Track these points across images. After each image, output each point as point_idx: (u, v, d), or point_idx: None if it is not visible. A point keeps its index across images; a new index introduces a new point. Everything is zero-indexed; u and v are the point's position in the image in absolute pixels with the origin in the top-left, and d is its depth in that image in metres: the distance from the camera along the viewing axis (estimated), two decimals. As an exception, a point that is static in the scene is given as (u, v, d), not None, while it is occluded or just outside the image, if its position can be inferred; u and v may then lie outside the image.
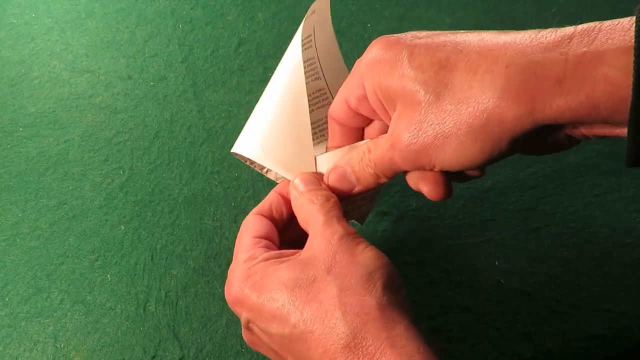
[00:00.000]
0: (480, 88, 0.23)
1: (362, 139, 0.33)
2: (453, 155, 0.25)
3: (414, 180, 0.30)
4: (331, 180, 0.32)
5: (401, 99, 0.26)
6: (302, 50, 0.32)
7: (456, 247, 0.44)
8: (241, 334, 0.40)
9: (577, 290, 0.42)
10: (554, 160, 0.47)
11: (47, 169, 0.47)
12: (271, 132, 0.33)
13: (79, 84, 0.51)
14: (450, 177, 0.30)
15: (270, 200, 0.34)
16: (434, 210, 0.45)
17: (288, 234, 0.35)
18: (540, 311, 0.41)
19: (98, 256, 0.44)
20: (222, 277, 0.43)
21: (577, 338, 0.40)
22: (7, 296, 0.42)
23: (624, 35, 0.20)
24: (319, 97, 0.35)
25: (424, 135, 0.25)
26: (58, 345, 0.41)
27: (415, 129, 0.25)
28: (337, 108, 0.31)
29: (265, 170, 0.37)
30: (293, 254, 0.30)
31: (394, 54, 0.26)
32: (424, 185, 0.29)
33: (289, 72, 0.33)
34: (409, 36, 0.27)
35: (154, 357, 0.40)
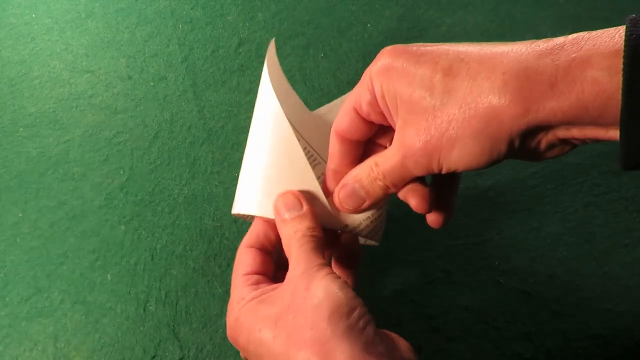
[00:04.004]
0: (480, 93, 0.25)
1: (360, 159, 0.34)
2: (459, 157, 0.27)
3: (403, 193, 0.32)
4: (341, 197, 0.33)
5: (408, 106, 0.28)
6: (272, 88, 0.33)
7: (456, 247, 0.44)
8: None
9: (577, 290, 0.42)
10: (554, 160, 0.47)
11: (47, 169, 0.47)
12: (272, 183, 0.33)
13: (79, 84, 0.51)
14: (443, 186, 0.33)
15: (256, 229, 0.35)
16: (434, 210, 0.45)
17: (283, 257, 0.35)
18: (540, 311, 0.41)
19: (98, 256, 0.44)
20: (222, 277, 0.43)
21: (577, 338, 0.40)
22: (7, 296, 0.42)
23: (610, 41, 0.23)
24: None
25: (433, 139, 0.27)
26: (58, 345, 0.41)
27: (425, 133, 0.27)
28: (344, 120, 0.32)
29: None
30: (275, 289, 0.31)
31: (402, 62, 0.28)
32: (412, 198, 0.31)
33: (269, 120, 0.33)
34: (414, 47, 0.29)
35: (154, 357, 0.40)
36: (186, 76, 0.51)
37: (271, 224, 0.34)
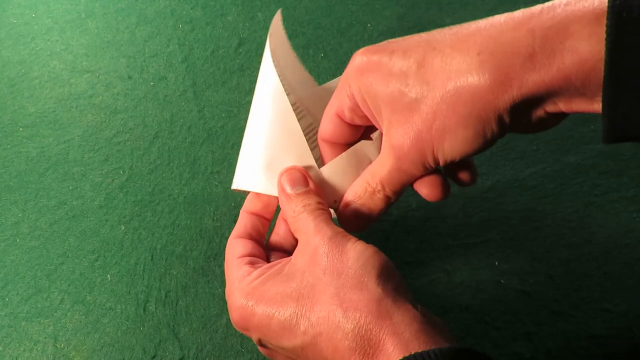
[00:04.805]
0: (458, 78, 0.24)
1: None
2: (452, 146, 0.26)
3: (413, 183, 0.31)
4: (348, 218, 0.32)
5: (389, 105, 0.27)
6: (274, 66, 0.32)
7: (456, 247, 0.44)
8: (241, 333, 0.40)
9: (577, 290, 0.42)
10: (554, 160, 0.47)
11: (47, 169, 0.47)
12: (270, 159, 0.33)
13: (79, 84, 0.51)
14: (454, 177, 0.31)
15: (243, 222, 0.34)
16: (434, 210, 0.45)
17: (275, 242, 0.35)
18: (540, 311, 0.41)
19: (98, 256, 0.44)
20: (222, 277, 0.43)
21: (577, 338, 0.40)
22: (7, 296, 0.42)
23: (589, 5, 0.21)
24: (295, 111, 0.35)
25: (422, 134, 0.26)
26: (58, 345, 0.41)
27: (412, 130, 0.26)
28: (328, 128, 0.32)
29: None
30: (284, 264, 0.30)
31: (376, 63, 0.27)
32: (422, 188, 0.30)
33: (269, 94, 0.33)
34: (385, 44, 0.28)
35: (154, 357, 0.40)
36: (186, 76, 0.51)
37: (258, 217, 0.34)
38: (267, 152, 0.33)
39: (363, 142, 0.33)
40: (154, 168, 0.47)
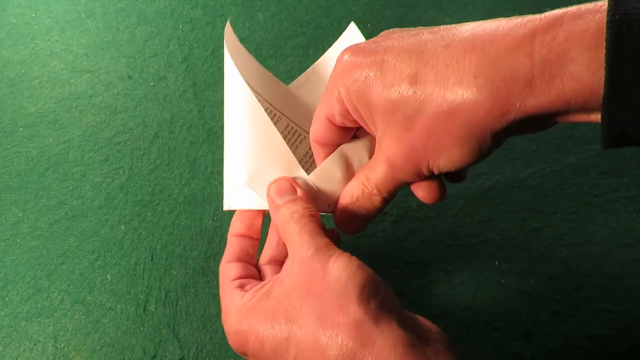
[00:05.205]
0: (454, 100, 0.24)
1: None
2: (447, 162, 0.26)
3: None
4: (345, 220, 0.32)
5: (382, 117, 0.27)
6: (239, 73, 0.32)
7: (456, 247, 0.44)
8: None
9: (577, 290, 0.42)
10: (554, 160, 0.47)
11: (47, 169, 0.47)
12: (256, 173, 0.32)
13: (79, 84, 0.51)
14: (446, 178, 0.31)
15: (231, 246, 0.34)
16: (434, 210, 0.45)
17: (268, 255, 0.35)
18: (540, 311, 0.41)
19: (98, 256, 0.44)
20: (222, 277, 0.43)
21: (577, 338, 0.40)
22: (7, 296, 0.42)
23: (589, 23, 0.21)
24: (269, 116, 0.35)
25: (417, 150, 0.26)
26: (58, 345, 0.41)
27: (406, 145, 0.26)
28: (320, 131, 0.31)
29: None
30: (274, 282, 0.30)
31: (366, 68, 0.26)
32: (419, 190, 0.30)
33: (243, 107, 0.32)
34: (373, 45, 0.27)
35: (154, 357, 0.40)
36: (186, 76, 0.51)
37: (246, 238, 0.34)
38: (251, 167, 0.33)
39: (350, 142, 0.32)
40: (154, 168, 0.47)
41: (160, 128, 0.49)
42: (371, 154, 0.32)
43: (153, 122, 0.49)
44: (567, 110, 0.23)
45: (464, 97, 0.23)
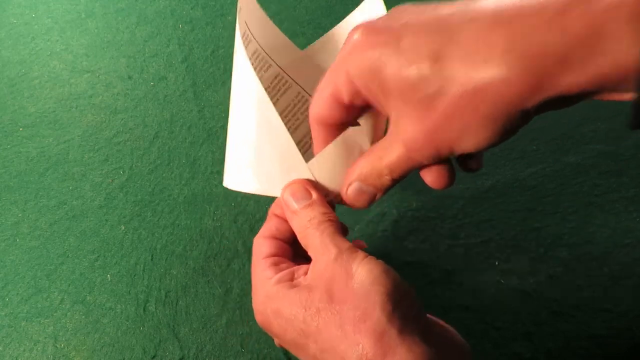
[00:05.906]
0: (482, 78, 0.22)
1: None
2: (471, 143, 0.24)
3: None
4: (350, 196, 0.31)
5: (400, 96, 0.25)
6: (245, 48, 0.30)
7: (456, 247, 0.44)
8: (241, 333, 0.40)
9: (577, 290, 0.42)
10: (554, 160, 0.47)
11: (47, 169, 0.47)
12: (257, 159, 0.32)
13: (79, 84, 0.51)
14: (462, 167, 0.30)
15: (270, 224, 0.34)
16: (434, 210, 0.45)
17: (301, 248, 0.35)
18: (540, 311, 0.41)
19: (98, 256, 0.44)
20: (222, 277, 0.43)
21: (577, 338, 0.40)
22: (7, 296, 0.42)
23: None
24: (278, 84, 0.33)
25: (438, 131, 0.25)
26: (58, 345, 0.41)
27: (427, 125, 0.25)
28: (322, 110, 0.29)
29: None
30: (302, 274, 0.30)
31: (381, 46, 0.25)
32: (428, 175, 0.29)
33: (249, 88, 0.32)
34: (387, 21, 0.26)
35: (154, 357, 0.40)
36: (186, 76, 0.51)
37: (284, 219, 0.33)
38: (253, 151, 0.32)
39: (351, 129, 0.31)
40: (154, 168, 0.47)
41: (160, 128, 0.49)
42: (373, 141, 0.31)
43: (153, 122, 0.49)
44: (604, 88, 0.21)
45: (493, 75, 0.22)
